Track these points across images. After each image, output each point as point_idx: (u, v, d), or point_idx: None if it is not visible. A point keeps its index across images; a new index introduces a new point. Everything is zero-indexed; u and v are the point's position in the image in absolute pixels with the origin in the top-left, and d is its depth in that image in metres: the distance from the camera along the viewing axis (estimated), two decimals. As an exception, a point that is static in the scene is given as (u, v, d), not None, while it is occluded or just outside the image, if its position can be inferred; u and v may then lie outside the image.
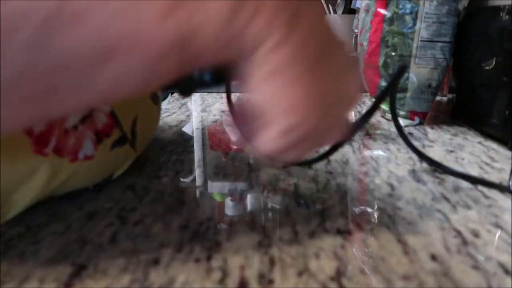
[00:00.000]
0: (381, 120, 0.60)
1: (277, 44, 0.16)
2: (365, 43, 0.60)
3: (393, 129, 0.55)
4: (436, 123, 0.59)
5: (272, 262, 0.24)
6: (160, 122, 0.52)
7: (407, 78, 0.56)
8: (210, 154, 0.45)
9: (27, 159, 0.28)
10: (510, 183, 0.32)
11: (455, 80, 0.60)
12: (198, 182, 0.37)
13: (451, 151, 0.45)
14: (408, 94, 0.56)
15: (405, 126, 0.57)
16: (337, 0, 1.55)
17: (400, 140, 0.49)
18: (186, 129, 0.56)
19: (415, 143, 0.48)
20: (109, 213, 0.31)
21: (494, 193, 0.34)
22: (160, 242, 0.26)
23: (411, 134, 0.53)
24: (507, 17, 0.45)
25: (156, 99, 0.42)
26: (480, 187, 0.35)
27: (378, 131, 0.54)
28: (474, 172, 0.39)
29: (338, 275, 0.23)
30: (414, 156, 0.43)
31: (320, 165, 0.41)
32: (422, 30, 0.53)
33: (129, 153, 0.37)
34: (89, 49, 0.15)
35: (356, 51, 0.87)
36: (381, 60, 0.57)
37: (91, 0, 0.14)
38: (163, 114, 0.64)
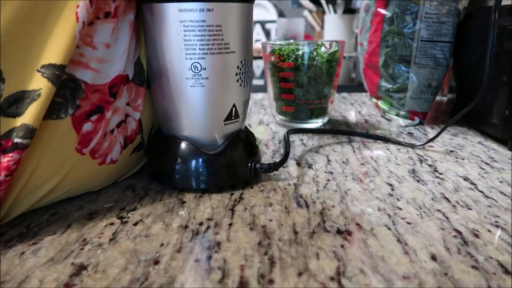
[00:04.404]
0: (381, 120, 0.60)
1: None
2: (365, 43, 0.60)
3: (393, 129, 0.55)
4: (436, 123, 0.59)
5: (272, 262, 0.24)
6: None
7: (407, 78, 0.56)
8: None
9: (68, 155, 0.28)
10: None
11: (455, 80, 0.60)
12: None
13: (451, 151, 0.45)
14: (408, 94, 0.56)
15: (405, 126, 0.57)
16: (337, 0, 1.55)
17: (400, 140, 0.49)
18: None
19: (415, 143, 0.48)
20: (109, 213, 0.31)
21: (494, 193, 0.34)
22: (160, 242, 0.26)
23: (411, 134, 0.53)
24: (506, 17, 0.45)
25: None
26: (480, 188, 0.35)
27: (378, 131, 0.54)
28: (474, 172, 0.39)
29: (338, 275, 0.23)
30: (414, 156, 0.43)
31: (320, 165, 0.41)
32: (422, 30, 0.53)
33: (142, 158, 0.37)
34: None
35: (356, 51, 0.87)
36: (381, 60, 0.57)
37: None
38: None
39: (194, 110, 0.33)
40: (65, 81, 0.27)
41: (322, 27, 1.73)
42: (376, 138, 0.50)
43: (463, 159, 0.43)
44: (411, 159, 0.42)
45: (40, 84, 0.25)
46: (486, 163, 0.41)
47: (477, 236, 0.27)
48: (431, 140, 0.46)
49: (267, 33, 2.20)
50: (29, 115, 0.24)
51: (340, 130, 0.54)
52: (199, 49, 0.31)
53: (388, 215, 0.30)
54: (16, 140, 0.24)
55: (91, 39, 0.28)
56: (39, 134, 0.26)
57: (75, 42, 0.26)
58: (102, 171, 0.32)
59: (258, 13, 2.10)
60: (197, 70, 0.31)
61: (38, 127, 0.25)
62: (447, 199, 0.33)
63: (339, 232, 0.28)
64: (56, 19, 0.25)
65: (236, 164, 0.34)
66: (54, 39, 0.25)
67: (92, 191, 0.34)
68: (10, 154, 0.24)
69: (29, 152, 0.26)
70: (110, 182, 0.35)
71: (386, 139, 0.49)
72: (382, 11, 0.56)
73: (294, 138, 0.51)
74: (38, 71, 0.25)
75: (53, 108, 0.27)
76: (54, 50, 0.25)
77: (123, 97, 0.32)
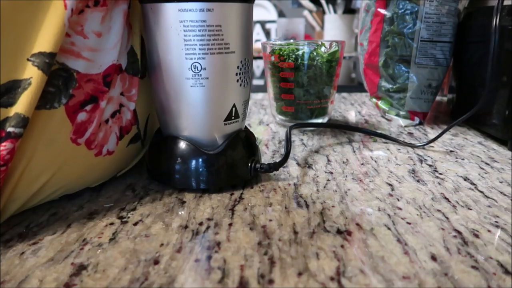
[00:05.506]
0: (381, 120, 0.60)
1: None
2: (365, 43, 0.60)
3: (393, 129, 0.55)
4: (436, 123, 0.59)
5: (272, 262, 0.24)
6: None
7: (407, 78, 0.56)
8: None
9: (63, 145, 0.28)
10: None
11: (455, 80, 0.60)
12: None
13: (451, 151, 0.45)
14: (408, 94, 0.56)
15: (405, 126, 0.57)
16: (337, 0, 1.55)
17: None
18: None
19: (415, 143, 0.48)
20: (109, 213, 0.31)
21: (494, 193, 0.34)
22: (160, 242, 0.26)
23: (411, 134, 0.53)
24: (507, 17, 0.45)
25: None
26: (480, 188, 0.35)
27: (378, 131, 0.54)
28: (474, 172, 0.39)
29: (338, 275, 0.23)
30: (414, 156, 0.43)
31: (320, 165, 0.41)
32: (422, 30, 0.53)
33: (139, 150, 0.37)
34: None
35: (356, 51, 0.87)
36: (381, 60, 0.57)
37: None
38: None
39: (194, 110, 0.33)
40: (57, 71, 0.27)
41: (322, 27, 1.73)
42: (380, 135, 0.50)
43: (463, 159, 0.43)
44: (411, 159, 0.42)
45: (30, 73, 0.25)
46: (486, 163, 0.41)
47: (477, 236, 0.27)
48: (432, 141, 0.46)
49: (267, 33, 2.20)
50: (21, 104, 0.24)
51: (345, 125, 0.54)
52: (199, 49, 0.31)
53: (388, 215, 0.30)
54: (9, 129, 0.24)
55: (82, 28, 0.28)
56: (32, 124, 0.26)
57: (65, 30, 0.26)
58: (99, 163, 0.31)
59: (258, 13, 2.10)
60: (197, 70, 0.31)
61: (32, 118, 0.25)
62: (447, 199, 0.33)
63: (339, 232, 0.28)
64: (45, 7, 0.25)
65: (236, 164, 0.34)
66: (44, 27, 0.25)
67: (92, 191, 0.34)
68: (4, 144, 0.24)
69: (23, 143, 0.26)
70: (109, 177, 0.35)
71: (388, 137, 0.49)
72: (382, 11, 0.56)
73: (294, 138, 0.51)
74: (28, 59, 0.25)
75: (46, 97, 0.27)
76: (44, 39, 0.25)
77: (116, 87, 0.32)
